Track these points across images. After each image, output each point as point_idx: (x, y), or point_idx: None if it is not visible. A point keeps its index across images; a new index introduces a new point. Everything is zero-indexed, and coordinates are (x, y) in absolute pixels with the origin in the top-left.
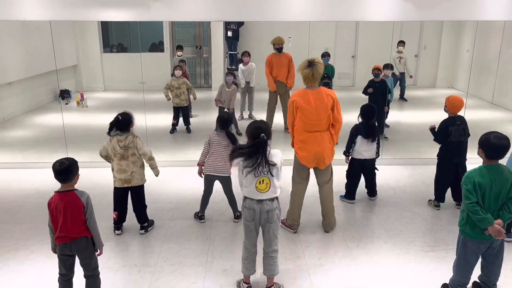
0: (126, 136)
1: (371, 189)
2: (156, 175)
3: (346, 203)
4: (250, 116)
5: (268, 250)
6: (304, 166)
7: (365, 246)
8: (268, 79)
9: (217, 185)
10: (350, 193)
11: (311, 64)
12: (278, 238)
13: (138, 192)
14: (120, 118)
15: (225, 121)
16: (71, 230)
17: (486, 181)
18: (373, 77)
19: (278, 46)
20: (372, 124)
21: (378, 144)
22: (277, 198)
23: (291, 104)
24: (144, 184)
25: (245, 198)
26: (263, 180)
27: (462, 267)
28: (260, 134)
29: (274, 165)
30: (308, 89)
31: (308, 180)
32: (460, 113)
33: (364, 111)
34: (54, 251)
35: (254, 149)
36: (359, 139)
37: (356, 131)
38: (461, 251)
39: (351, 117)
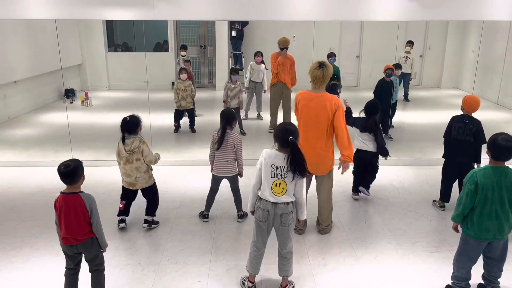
0: (133, 140)
1: (366, 182)
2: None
3: (352, 201)
4: (258, 117)
5: (283, 252)
6: None
7: (369, 246)
8: (272, 74)
9: (223, 184)
10: (355, 187)
11: (321, 65)
12: (293, 240)
13: (148, 191)
14: (128, 119)
15: (228, 116)
16: (77, 233)
17: (489, 182)
18: (384, 76)
19: (283, 46)
20: (371, 119)
21: (378, 142)
22: (292, 202)
23: (295, 99)
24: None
25: (260, 198)
26: (279, 184)
27: (463, 262)
28: (288, 137)
29: (304, 176)
30: (313, 92)
31: (309, 186)
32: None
33: (368, 107)
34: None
35: (291, 158)
36: (357, 131)
37: (353, 122)
38: (461, 247)
39: None
